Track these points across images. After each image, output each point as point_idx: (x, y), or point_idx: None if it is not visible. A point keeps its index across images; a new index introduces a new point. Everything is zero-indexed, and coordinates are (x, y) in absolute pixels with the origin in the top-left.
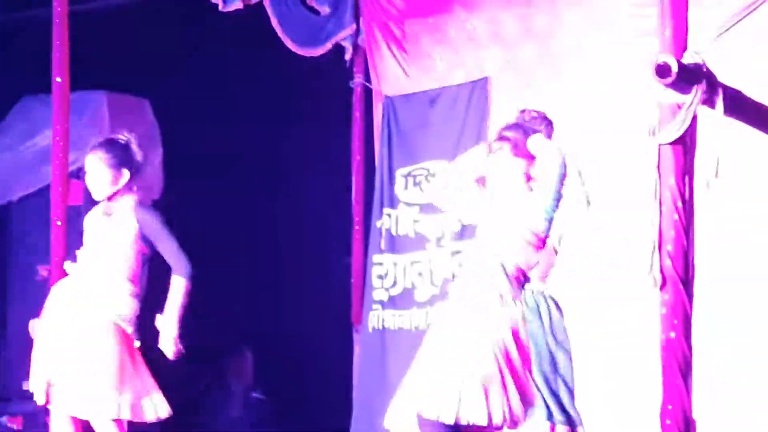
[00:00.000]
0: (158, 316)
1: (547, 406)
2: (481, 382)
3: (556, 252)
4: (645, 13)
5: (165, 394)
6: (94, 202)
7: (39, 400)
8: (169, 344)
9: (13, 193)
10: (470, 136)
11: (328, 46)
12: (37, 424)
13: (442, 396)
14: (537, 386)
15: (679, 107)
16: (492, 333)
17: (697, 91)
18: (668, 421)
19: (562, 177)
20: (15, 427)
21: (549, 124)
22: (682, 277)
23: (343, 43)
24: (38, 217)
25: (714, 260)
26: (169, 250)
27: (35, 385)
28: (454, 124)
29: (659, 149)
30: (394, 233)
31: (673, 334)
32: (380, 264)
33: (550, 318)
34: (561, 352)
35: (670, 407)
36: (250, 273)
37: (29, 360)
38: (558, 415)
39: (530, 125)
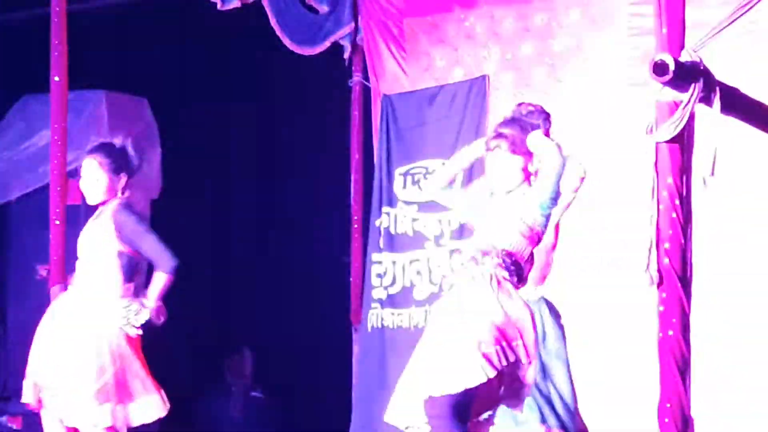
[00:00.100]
0: (142, 300)
1: (540, 410)
2: (476, 343)
3: (553, 249)
4: (643, 12)
5: (164, 393)
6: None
7: (27, 400)
8: (154, 317)
9: (12, 192)
10: (469, 134)
11: (327, 44)
12: (37, 424)
13: (444, 370)
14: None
15: (677, 105)
16: (485, 314)
17: (695, 89)
18: (666, 419)
19: (560, 176)
20: (15, 426)
21: (546, 117)
22: (680, 275)
23: (342, 42)
24: (37, 216)
25: (712, 258)
26: (149, 248)
27: (25, 387)
28: (453, 122)
29: (657, 147)
30: (392, 232)
31: (671, 332)
32: (379, 263)
33: (543, 327)
34: (554, 360)
35: (668, 405)
36: (250, 272)
37: (28, 360)
38: (551, 420)
39: (527, 119)
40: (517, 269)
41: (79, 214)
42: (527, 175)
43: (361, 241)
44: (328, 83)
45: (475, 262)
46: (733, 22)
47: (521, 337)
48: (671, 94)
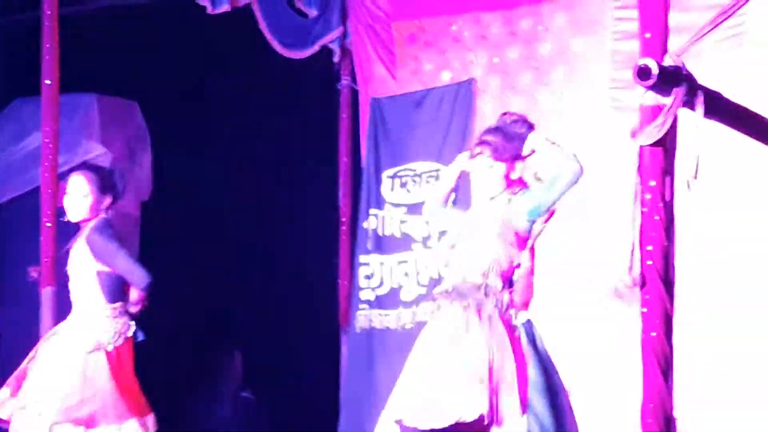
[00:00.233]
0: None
1: None
2: (466, 380)
3: (532, 274)
4: (628, 16)
5: (154, 394)
6: None
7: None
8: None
9: (4, 195)
10: (456, 137)
11: (316, 48)
12: None
13: (421, 402)
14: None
15: (660, 109)
16: (474, 346)
17: (678, 94)
18: (649, 420)
19: (571, 185)
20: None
21: (530, 127)
22: (662, 276)
23: (331, 46)
24: (27, 219)
25: (695, 260)
26: (121, 268)
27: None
28: (440, 125)
29: (640, 151)
30: (380, 234)
31: (654, 333)
32: (367, 264)
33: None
34: (532, 391)
35: (651, 405)
36: (239, 273)
37: (19, 361)
38: None
39: (511, 128)
40: (511, 286)
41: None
42: (509, 183)
43: (349, 243)
44: (317, 86)
45: (460, 298)
46: (716, 26)
47: (503, 369)
48: (654, 98)
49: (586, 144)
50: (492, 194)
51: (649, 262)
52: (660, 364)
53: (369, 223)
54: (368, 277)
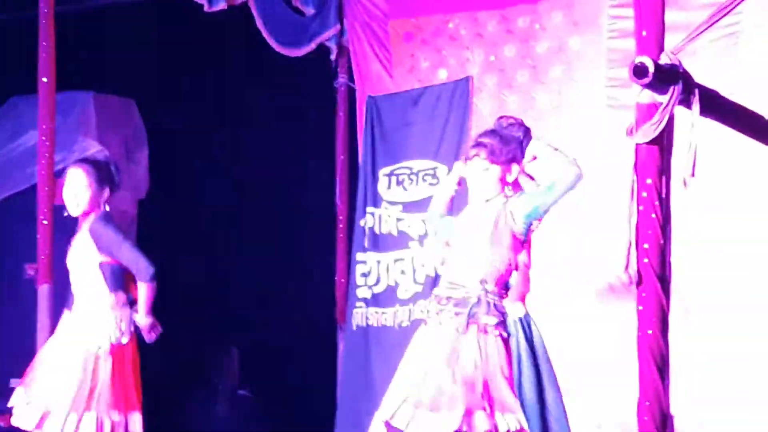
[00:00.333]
0: (134, 315)
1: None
2: (445, 400)
3: (528, 267)
4: (624, 15)
5: (151, 392)
6: None
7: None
8: (146, 335)
9: (0, 192)
10: (452, 135)
11: (313, 46)
12: None
13: (409, 407)
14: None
15: (656, 107)
16: (468, 358)
17: (674, 92)
18: (645, 417)
19: (569, 189)
20: (2, 425)
21: (527, 131)
22: (659, 274)
23: (328, 44)
24: (23, 216)
25: (691, 257)
26: (126, 259)
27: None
28: (437, 123)
29: (636, 149)
30: (377, 232)
31: (650, 331)
32: (364, 262)
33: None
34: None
35: (647, 403)
36: (237, 271)
37: (16, 358)
38: None
39: (507, 132)
40: (507, 289)
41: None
42: (504, 185)
43: (346, 241)
44: (314, 84)
45: (456, 306)
46: (712, 24)
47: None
48: (651, 97)
49: (582, 142)
50: (488, 196)
51: (646, 260)
52: (656, 362)
53: (366, 221)
54: (365, 275)
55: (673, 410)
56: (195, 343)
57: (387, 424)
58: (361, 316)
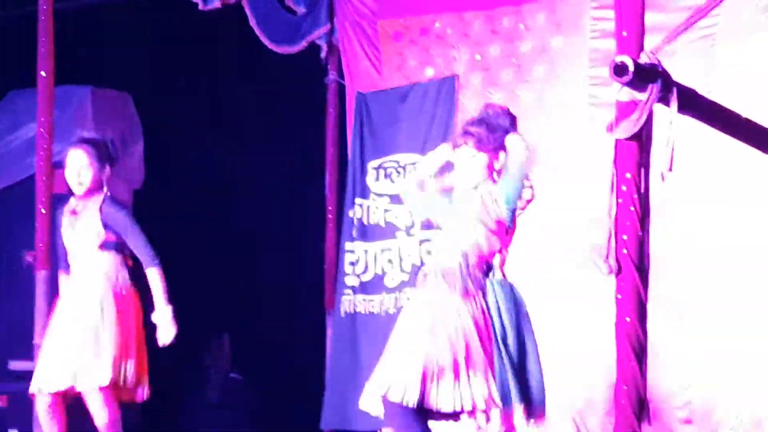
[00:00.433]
0: (153, 315)
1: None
2: (436, 369)
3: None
4: (605, 16)
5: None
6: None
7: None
8: (169, 332)
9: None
10: (438, 131)
11: (304, 44)
12: (23, 403)
13: (406, 380)
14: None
15: (636, 105)
16: (452, 324)
17: (653, 90)
18: (623, 401)
19: (523, 171)
20: (0, 405)
21: (513, 119)
22: (637, 264)
23: (319, 42)
24: (22, 206)
25: (669, 248)
26: (135, 243)
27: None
28: (423, 119)
29: (616, 144)
30: (365, 222)
31: (628, 318)
32: (352, 251)
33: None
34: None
35: (624, 387)
36: (229, 259)
37: (14, 341)
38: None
39: (494, 120)
40: (489, 269)
41: (64, 202)
42: (491, 172)
43: (335, 231)
44: (305, 81)
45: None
46: (690, 26)
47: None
48: (630, 94)
49: (565, 138)
50: (474, 183)
51: (625, 251)
52: (634, 348)
53: (354, 212)
54: (353, 264)
55: (649, 395)
56: (189, 329)
57: (384, 398)
58: (349, 303)
